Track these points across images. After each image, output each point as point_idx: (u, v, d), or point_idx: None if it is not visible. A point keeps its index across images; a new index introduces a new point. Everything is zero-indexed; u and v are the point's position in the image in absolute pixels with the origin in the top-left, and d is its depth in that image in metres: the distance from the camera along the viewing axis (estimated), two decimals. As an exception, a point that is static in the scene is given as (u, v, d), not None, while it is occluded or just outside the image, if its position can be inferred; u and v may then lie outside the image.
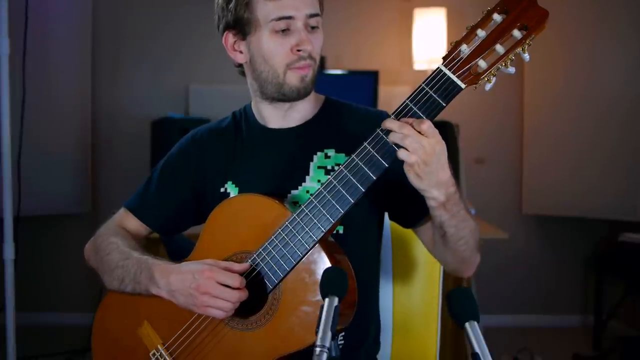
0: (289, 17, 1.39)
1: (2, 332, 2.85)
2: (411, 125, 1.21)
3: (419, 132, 1.20)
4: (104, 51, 4.21)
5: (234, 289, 1.32)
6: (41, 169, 3.73)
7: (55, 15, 3.89)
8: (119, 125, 4.24)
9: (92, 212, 4.09)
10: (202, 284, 1.32)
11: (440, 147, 1.22)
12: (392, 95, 4.03)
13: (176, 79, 4.23)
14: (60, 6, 3.93)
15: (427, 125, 1.20)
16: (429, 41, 3.93)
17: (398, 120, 1.22)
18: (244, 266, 1.35)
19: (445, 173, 1.24)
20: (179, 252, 1.51)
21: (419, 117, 1.22)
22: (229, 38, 1.48)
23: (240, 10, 1.42)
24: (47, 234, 4.08)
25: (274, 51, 1.41)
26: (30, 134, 3.29)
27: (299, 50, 1.40)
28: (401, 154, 1.21)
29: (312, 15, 1.41)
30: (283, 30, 1.40)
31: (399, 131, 1.21)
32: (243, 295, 1.33)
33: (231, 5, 1.43)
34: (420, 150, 1.20)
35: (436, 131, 1.21)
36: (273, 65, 1.43)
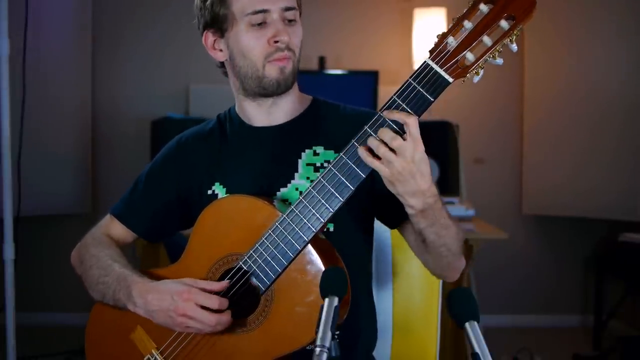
0: (265, 11, 1.39)
1: (2, 332, 2.85)
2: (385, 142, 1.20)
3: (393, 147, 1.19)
4: (104, 51, 4.21)
5: (213, 310, 1.32)
6: (41, 169, 3.72)
7: (55, 15, 3.89)
8: (119, 125, 4.24)
9: (92, 212, 4.09)
10: (180, 306, 1.32)
11: (417, 156, 1.20)
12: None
13: (176, 79, 4.23)
14: (60, 6, 3.93)
15: (398, 142, 1.19)
16: (429, 41, 3.92)
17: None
18: (222, 284, 1.34)
19: (425, 182, 1.22)
20: (179, 251, 1.51)
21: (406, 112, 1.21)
22: (209, 37, 1.48)
23: (217, 8, 1.42)
24: (47, 234, 4.08)
25: (252, 45, 1.41)
26: (30, 134, 3.28)
27: (276, 42, 1.40)
28: (374, 162, 1.21)
29: (288, 9, 1.41)
30: (259, 24, 1.40)
31: (373, 147, 1.21)
32: (224, 318, 1.32)
33: (207, 3, 1.44)
34: (389, 166, 1.20)
35: (406, 146, 1.19)
36: (252, 59, 1.42)
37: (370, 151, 1.22)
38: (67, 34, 4.01)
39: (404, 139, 1.20)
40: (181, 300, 1.32)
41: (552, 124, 4.10)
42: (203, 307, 1.32)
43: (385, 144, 1.20)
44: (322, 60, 4.01)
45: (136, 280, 1.41)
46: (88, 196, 4.16)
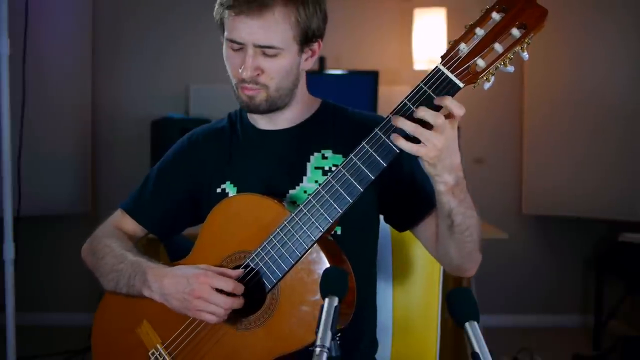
0: (239, 43, 1.39)
1: (2, 332, 2.85)
2: (427, 120, 1.20)
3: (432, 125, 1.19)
4: (104, 51, 4.21)
5: (228, 294, 1.32)
6: (41, 169, 3.72)
7: (55, 15, 3.89)
8: (119, 125, 4.24)
9: (92, 213, 4.09)
10: (196, 288, 1.32)
11: (453, 132, 1.22)
12: (392, 95, 4.03)
13: (176, 79, 4.23)
14: (60, 6, 3.93)
15: (441, 120, 1.19)
16: (429, 41, 3.93)
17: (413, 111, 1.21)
18: (237, 272, 1.35)
19: (457, 157, 1.25)
20: (178, 251, 1.51)
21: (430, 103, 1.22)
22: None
23: (217, 14, 1.44)
24: (47, 234, 4.08)
25: (229, 64, 1.45)
26: (30, 134, 3.28)
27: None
28: (413, 148, 1.21)
29: (263, 47, 1.38)
30: (238, 49, 1.41)
31: (412, 132, 1.20)
32: (237, 302, 1.33)
33: (217, 4, 1.46)
34: (432, 147, 1.20)
35: (446, 123, 1.20)
36: (230, 75, 1.46)
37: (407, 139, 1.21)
38: (67, 34, 4.01)
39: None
40: (197, 282, 1.33)
41: (552, 124, 4.10)
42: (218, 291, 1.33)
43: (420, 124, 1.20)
44: (322, 60, 4.01)
45: (151, 265, 1.42)
46: (88, 196, 4.16)
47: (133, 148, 4.13)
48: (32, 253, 3.68)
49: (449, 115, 1.21)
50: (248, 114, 1.55)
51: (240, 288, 1.33)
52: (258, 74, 1.40)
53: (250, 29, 1.37)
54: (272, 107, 1.45)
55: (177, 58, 4.25)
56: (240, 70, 1.40)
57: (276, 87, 1.43)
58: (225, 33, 1.41)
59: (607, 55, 3.92)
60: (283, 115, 1.51)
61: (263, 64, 1.40)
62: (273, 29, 1.37)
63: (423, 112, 1.20)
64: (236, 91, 1.45)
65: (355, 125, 1.48)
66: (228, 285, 1.32)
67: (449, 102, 1.20)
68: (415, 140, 1.21)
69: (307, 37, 1.43)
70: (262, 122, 1.53)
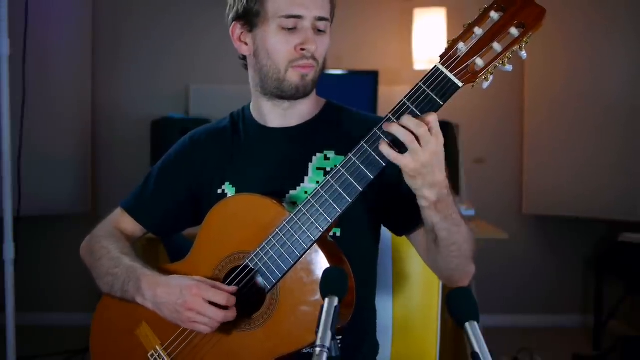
0: (298, 17, 1.40)
1: (2, 332, 2.85)
2: (410, 130, 1.19)
3: (416, 135, 1.18)
4: (104, 51, 4.21)
5: (221, 307, 1.32)
6: (41, 169, 3.72)
7: (55, 15, 3.89)
8: (119, 125, 4.24)
9: (92, 213, 4.08)
10: (189, 300, 1.33)
11: (439, 148, 1.20)
12: (392, 95, 4.02)
13: (176, 79, 4.23)
14: (60, 6, 3.93)
15: (423, 130, 1.18)
16: (429, 41, 3.93)
17: (397, 119, 1.21)
18: (231, 289, 1.35)
19: (441, 174, 1.23)
20: (178, 252, 1.51)
21: (416, 116, 1.21)
22: (237, 29, 1.48)
23: (251, 2, 1.43)
24: (47, 234, 4.08)
25: (279, 47, 1.42)
26: (30, 134, 3.28)
27: (302, 49, 1.41)
28: (392, 155, 1.20)
29: (320, 19, 1.42)
30: (290, 29, 1.40)
31: (402, 138, 1.19)
32: (230, 314, 1.33)
33: None
34: (415, 158, 1.19)
35: (430, 137, 1.19)
36: (275, 61, 1.43)
37: (391, 147, 1.21)
38: (67, 34, 4.01)
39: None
40: (190, 294, 1.33)
41: (553, 124, 4.10)
42: (211, 304, 1.33)
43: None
44: (322, 61, 4.00)
45: (146, 273, 1.42)
46: (88, 196, 4.16)
47: (133, 148, 4.13)
48: (32, 253, 3.68)
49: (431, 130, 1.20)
50: (257, 113, 1.53)
51: (232, 300, 1.33)
52: (315, 49, 1.42)
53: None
54: (311, 89, 1.47)
55: (177, 58, 4.25)
56: (302, 46, 1.40)
57: (321, 66, 1.46)
58: (274, 12, 1.40)
59: (607, 55, 3.92)
60: (297, 110, 1.50)
61: (316, 39, 1.42)
62: (326, 1, 1.44)
63: (406, 121, 1.19)
64: (283, 74, 1.43)
65: (359, 126, 1.45)
66: (221, 298, 1.32)
67: (432, 119, 1.20)
68: (404, 148, 1.20)
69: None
70: (274, 119, 1.51)
